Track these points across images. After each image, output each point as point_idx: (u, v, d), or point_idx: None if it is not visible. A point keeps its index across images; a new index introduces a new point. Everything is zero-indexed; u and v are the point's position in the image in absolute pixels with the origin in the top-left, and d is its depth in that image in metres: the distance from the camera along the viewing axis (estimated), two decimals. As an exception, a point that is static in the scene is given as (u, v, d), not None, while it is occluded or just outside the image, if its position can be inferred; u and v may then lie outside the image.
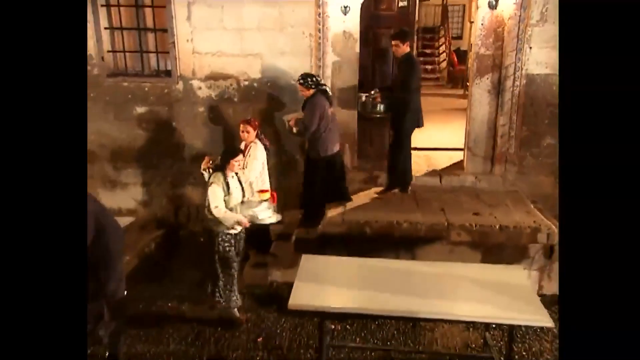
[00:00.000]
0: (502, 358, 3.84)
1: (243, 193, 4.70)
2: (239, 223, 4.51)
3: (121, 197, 6.89)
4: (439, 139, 8.14)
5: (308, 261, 4.21)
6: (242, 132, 5.10)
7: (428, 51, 14.70)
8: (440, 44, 14.57)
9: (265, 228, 5.33)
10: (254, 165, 5.02)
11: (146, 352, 4.40)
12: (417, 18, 14.97)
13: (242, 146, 5.15)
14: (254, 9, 6.08)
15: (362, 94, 5.87)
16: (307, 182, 5.65)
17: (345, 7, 5.93)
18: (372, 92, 5.73)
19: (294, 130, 5.42)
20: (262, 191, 4.98)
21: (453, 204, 5.66)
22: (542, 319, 3.43)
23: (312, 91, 5.27)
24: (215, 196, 4.45)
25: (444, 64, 14.42)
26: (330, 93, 5.45)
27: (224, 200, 4.52)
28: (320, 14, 6.00)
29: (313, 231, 5.26)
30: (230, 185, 4.57)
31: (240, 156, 4.63)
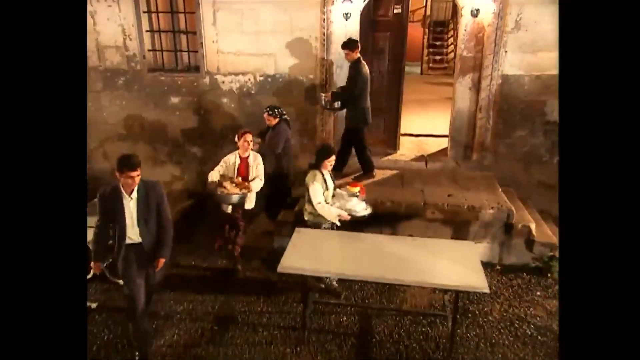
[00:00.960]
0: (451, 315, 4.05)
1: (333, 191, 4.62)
2: (339, 217, 4.41)
3: (159, 172, 7.06)
4: (438, 126, 7.96)
5: (300, 233, 4.42)
6: None
7: (438, 43, 14.44)
8: (449, 36, 14.28)
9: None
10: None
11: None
12: (428, 13, 14.82)
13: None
14: (268, 15, 6.21)
15: (322, 94, 5.87)
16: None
17: (347, 14, 6.01)
18: (329, 92, 5.79)
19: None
20: (353, 185, 4.81)
21: (433, 186, 5.72)
22: (481, 285, 3.64)
23: (277, 120, 5.44)
24: (317, 194, 4.37)
25: (451, 55, 14.21)
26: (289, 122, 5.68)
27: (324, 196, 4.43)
28: (324, 19, 6.08)
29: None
30: (327, 182, 4.49)
31: (334, 157, 4.50)
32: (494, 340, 4.18)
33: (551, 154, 6.19)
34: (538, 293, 4.91)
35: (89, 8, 6.50)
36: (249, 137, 4.97)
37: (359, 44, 5.59)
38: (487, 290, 3.72)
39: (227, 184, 4.79)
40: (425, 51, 14.39)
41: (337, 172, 5.87)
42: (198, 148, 7.03)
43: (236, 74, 6.59)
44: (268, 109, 5.51)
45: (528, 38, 5.76)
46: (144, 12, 6.54)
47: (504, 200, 5.39)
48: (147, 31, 6.66)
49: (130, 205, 3.61)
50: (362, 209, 4.50)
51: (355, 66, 5.52)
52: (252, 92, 6.61)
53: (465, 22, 5.96)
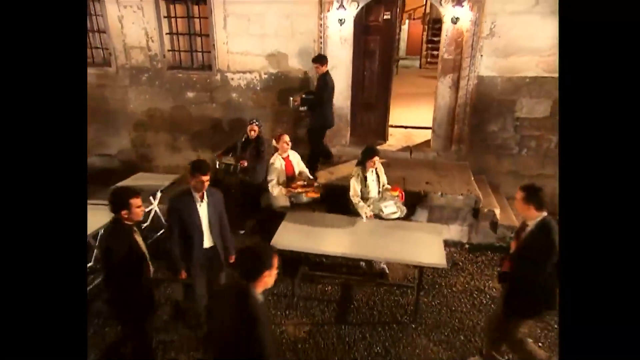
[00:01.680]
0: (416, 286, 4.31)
1: (379, 189, 4.59)
2: (365, 213, 4.45)
3: (177, 158, 7.35)
4: (427, 119, 7.54)
5: (292, 214, 4.65)
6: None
7: (435, 39, 14.34)
8: (446, 32, 14.16)
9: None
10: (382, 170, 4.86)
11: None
12: (428, 10, 14.60)
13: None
14: (272, 20, 6.30)
15: (291, 98, 5.97)
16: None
17: (341, 20, 6.06)
18: (297, 96, 5.95)
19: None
20: (394, 189, 4.71)
21: (414, 174, 5.85)
22: (440, 262, 3.91)
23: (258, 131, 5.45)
24: (352, 188, 4.44)
25: (448, 50, 14.09)
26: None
27: (361, 192, 4.44)
28: (322, 24, 6.14)
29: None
30: (368, 180, 4.48)
31: (377, 157, 4.48)
32: (454, 308, 4.43)
33: (520, 147, 6.25)
34: (498, 269, 5.15)
35: (117, 13, 6.65)
36: (287, 137, 4.97)
37: (327, 60, 5.81)
38: (445, 266, 3.98)
39: (297, 185, 4.88)
40: (424, 46, 14.29)
41: (325, 160, 6.20)
42: (211, 136, 7.13)
43: (244, 72, 6.70)
44: (256, 121, 5.45)
45: (501, 44, 5.79)
46: (164, 17, 6.68)
47: (474, 188, 5.56)
48: (167, 34, 6.79)
49: (203, 210, 3.51)
50: (390, 211, 4.51)
51: (323, 78, 5.75)
52: (258, 88, 6.74)
53: (447, 28, 6.00)
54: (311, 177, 5.22)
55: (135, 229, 3.19)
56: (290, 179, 5.02)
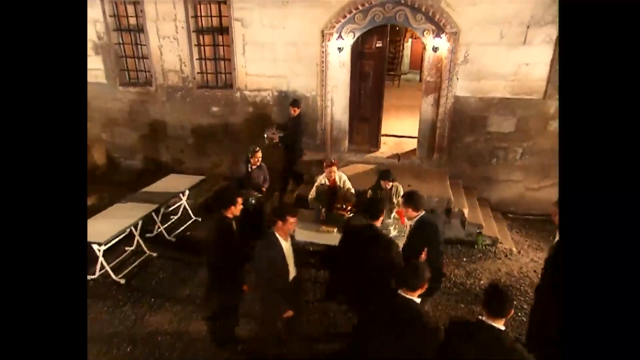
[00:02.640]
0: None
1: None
2: None
3: (204, 162, 7.76)
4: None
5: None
6: None
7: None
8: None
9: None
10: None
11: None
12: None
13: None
14: (282, 48, 6.69)
15: (266, 129, 6.39)
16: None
17: (340, 48, 6.42)
18: (269, 131, 6.43)
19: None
20: (398, 212, 4.49)
21: (399, 178, 5.57)
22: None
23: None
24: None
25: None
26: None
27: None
28: (323, 51, 6.50)
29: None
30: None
31: (388, 181, 4.50)
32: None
33: (490, 156, 6.51)
34: (464, 259, 5.47)
35: (158, 43, 7.14)
36: (335, 167, 4.90)
37: (300, 104, 6.33)
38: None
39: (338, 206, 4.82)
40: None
41: (297, 182, 6.54)
42: (231, 143, 7.45)
43: (259, 90, 7.06)
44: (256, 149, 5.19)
45: (473, 69, 6.05)
46: (195, 45, 7.13)
47: (448, 191, 5.89)
48: (196, 59, 7.21)
49: (288, 248, 3.23)
50: (391, 230, 4.44)
51: (298, 120, 6.26)
52: (270, 103, 7.11)
53: (428, 55, 6.27)
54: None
55: (233, 221, 3.45)
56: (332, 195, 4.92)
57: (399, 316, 2.39)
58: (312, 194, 5.01)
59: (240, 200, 3.54)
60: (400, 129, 8.27)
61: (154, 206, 5.46)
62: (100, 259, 4.84)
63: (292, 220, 3.13)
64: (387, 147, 7.52)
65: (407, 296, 2.40)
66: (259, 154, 5.09)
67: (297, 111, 6.30)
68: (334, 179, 4.95)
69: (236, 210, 3.52)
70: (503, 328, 2.18)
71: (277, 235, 3.16)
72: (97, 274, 4.97)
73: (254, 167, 5.12)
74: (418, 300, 2.44)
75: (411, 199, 3.53)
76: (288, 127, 6.47)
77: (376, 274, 3.04)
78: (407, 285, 2.41)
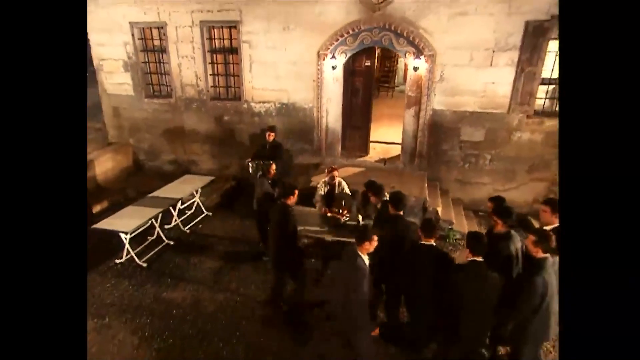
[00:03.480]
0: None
1: None
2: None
3: (215, 163, 8.04)
4: None
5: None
6: None
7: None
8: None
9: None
10: None
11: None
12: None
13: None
14: (284, 67, 6.98)
15: (248, 160, 6.01)
16: None
17: (334, 66, 6.73)
18: (252, 160, 5.93)
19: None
20: None
21: (382, 180, 5.59)
22: None
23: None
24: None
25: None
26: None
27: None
28: (319, 69, 6.80)
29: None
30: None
31: (380, 195, 4.37)
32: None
33: (464, 162, 6.78)
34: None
35: (177, 62, 7.43)
36: (336, 173, 5.12)
37: (276, 130, 6.23)
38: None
39: (335, 210, 4.90)
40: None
41: None
42: (239, 148, 7.73)
43: (263, 102, 7.32)
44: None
45: (448, 86, 6.32)
46: (209, 63, 7.44)
47: (424, 192, 6.20)
48: (210, 75, 7.51)
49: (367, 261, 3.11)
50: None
51: (280, 146, 6.08)
52: (273, 114, 7.38)
53: (410, 74, 6.58)
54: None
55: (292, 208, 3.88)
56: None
57: (427, 256, 3.30)
58: (317, 197, 5.17)
59: (296, 192, 3.88)
60: (390, 136, 8.45)
61: (172, 202, 5.82)
62: (127, 246, 5.26)
63: (375, 239, 3.03)
64: (375, 153, 7.75)
65: (428, 243, 3.34)
66: (274, 167, 5.04)
67: (273, 136, 5.92)
68: (335, 183, 5.15)
69: (294, 199, 3.86)
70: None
71: (360, 253, 3.00)
72: (124, 258, 5.38)
73: (269, 181, 5.05)
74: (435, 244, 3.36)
75: (396, 200, 3.82)
76: (266, 154, 5.82)
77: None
78: (430, 234, 3.34)
